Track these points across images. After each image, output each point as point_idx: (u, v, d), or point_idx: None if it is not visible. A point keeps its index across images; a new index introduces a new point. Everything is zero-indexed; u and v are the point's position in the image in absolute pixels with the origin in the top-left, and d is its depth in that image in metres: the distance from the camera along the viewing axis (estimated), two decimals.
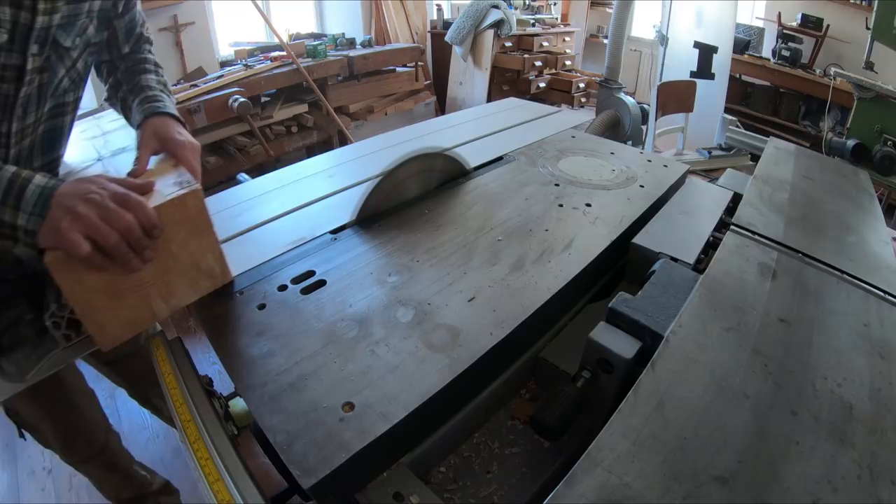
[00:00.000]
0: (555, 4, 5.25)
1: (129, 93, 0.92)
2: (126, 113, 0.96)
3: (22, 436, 1.13)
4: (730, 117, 2.82)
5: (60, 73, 0.80)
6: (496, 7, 3.87)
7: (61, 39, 0.77)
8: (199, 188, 0.70)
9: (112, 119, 1.30)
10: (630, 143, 3.06)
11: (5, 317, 0.77)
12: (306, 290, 0.77)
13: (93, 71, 0.93)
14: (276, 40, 3.66)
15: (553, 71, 4.33)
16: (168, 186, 0.70)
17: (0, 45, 0.68)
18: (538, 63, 4.14)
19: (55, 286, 0.67)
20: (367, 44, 3.83)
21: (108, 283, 0.65)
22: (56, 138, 0.90)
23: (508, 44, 4.14)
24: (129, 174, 0.76)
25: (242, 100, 2.66)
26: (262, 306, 0.74)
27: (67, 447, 1.19)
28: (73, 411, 1.16)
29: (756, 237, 0.91)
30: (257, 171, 3.18)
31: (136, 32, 0.96)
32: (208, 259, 0.75)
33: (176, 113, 0.87)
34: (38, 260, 0.64)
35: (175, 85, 2.78)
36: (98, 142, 1.13)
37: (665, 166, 1.25)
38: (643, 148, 2.93)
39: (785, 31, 4.24)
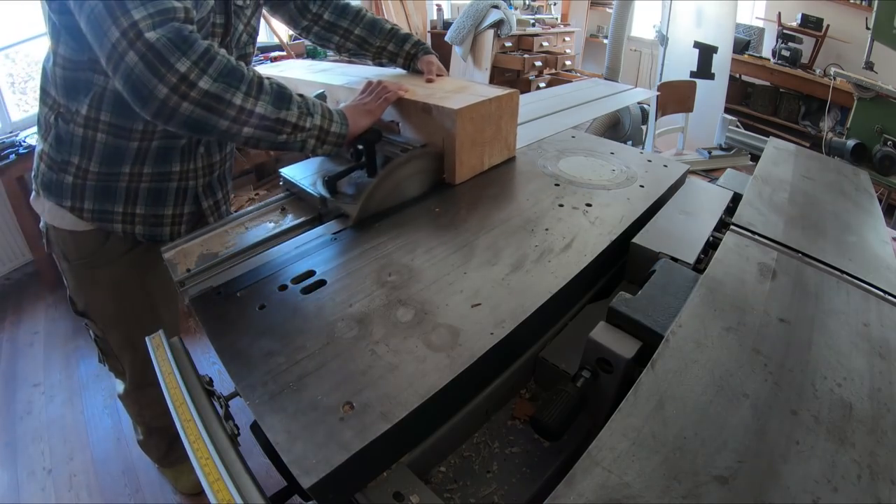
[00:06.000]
0: (555, 4, 5.26)
1: (387, 41, 1.28)
2: (378, 55, 1.30)
3: (101, 361, 1.29)
4: (730, 117, 2.82)
5: (240, 27, 1.03)
6: (496, 7, 3.87)
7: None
8: (518, 91, 1.12)
9: (308, 64, 1.67)
10: (630, 142, 3.06)
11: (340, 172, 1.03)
12: (306, 290, 0.77)
13: None
14: (277, 40, 3.66)
15: (553, 71, 4.34)
16: (491, 89, 1.11)
17: (212, 8, 0.92)
18: (538, 63, 4.14)
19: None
20: None
21: (474, 134, 1.05)
22: None
23: (508, 44, 4.15)
24: (426, 81, 1.19)
25: None
26: (262, 306, 0.74)
27: (142, 375, 1.28)
28: None
29: (756, 237, 0.91)
30: (257, 171, 3.18)
31: None
32: (510, 137, 1.19)
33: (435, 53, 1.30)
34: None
35: None
36: (336, 72, 1.44)
37: (665, 166, 1.25)
38: (643, 148, 2.93)
39: (785, 31, 4.24)
